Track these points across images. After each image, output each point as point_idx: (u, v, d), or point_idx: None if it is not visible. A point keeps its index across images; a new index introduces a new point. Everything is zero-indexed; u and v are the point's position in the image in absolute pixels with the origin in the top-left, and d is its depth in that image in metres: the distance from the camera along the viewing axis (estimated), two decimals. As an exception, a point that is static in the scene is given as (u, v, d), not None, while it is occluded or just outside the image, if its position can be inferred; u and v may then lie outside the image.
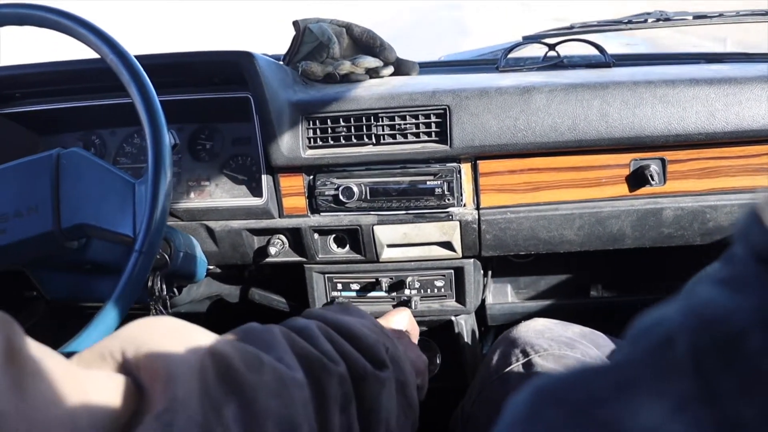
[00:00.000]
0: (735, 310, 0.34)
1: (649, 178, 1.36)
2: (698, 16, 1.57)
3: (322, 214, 1.47)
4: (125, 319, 0.98)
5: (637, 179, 1.39)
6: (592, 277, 1.78)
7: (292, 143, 1.41)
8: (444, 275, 1.53)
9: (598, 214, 1.41)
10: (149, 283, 1.29)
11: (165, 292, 1.31)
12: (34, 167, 1.14)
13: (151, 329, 0.61)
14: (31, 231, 1.12)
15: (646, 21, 1.58)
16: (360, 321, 0.86)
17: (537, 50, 1.65)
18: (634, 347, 0.38)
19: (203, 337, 0.64)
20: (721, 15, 1.56)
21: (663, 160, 1.38)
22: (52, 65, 1.46)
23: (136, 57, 1.12)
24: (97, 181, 1.12)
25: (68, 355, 0.56)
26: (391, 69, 1.61)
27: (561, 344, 1.15)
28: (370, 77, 1.57)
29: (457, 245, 1.47)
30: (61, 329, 1.84)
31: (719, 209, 1.39)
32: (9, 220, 1.13)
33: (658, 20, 1.57)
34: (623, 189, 1.40)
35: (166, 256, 1.31)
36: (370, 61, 1.55)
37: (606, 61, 1.58)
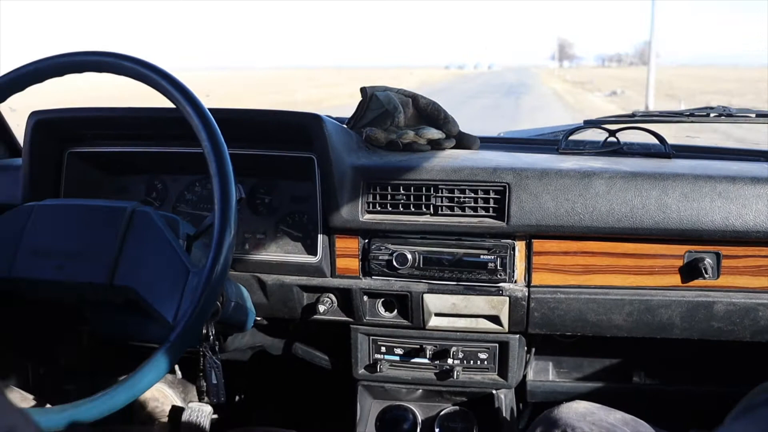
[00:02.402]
0: None
1: (703, 271, 1.36)
2: (761, 115, 1.58)
3: (373, 277, 1.49)
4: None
5: (690, 271, 1.39)
6: (636, 363, 1.76)
7: (352, 206, 1.44)
8: (488, 348, 1.53)
9: (648, 302, 1.41)
10: (204, 330, 1.31)
11: (215, 339, 1.33)
12: (108, 215, 1.16)
13: None
14: (85, 277, 1.13)
15: (708, 115, 1.60)
16: None
17: (597, 135, 1.67)
18: None
19: None
20: (784, 115, 1.57)
21: (718, 255, 1.38)
22: (125, 111, 1.51)
23: (209, 110, 1.15)
24: (159, 251, 1.13)
25: None
26: (452, 142, 1.64)
27: (602, 429, 1.14)
28: (432, 148, 1.61)
29: (505, 320, 1.47)
30: (98, 364, 1.86)
31: None
32: (70, 258, 1.14)
33: (720, 115, 1.59)
34: (675, 279, 1.40)
35: (218, 304, 1.33)
36: (433, 133, 1.59)
37: (666, 151, 1.60)
